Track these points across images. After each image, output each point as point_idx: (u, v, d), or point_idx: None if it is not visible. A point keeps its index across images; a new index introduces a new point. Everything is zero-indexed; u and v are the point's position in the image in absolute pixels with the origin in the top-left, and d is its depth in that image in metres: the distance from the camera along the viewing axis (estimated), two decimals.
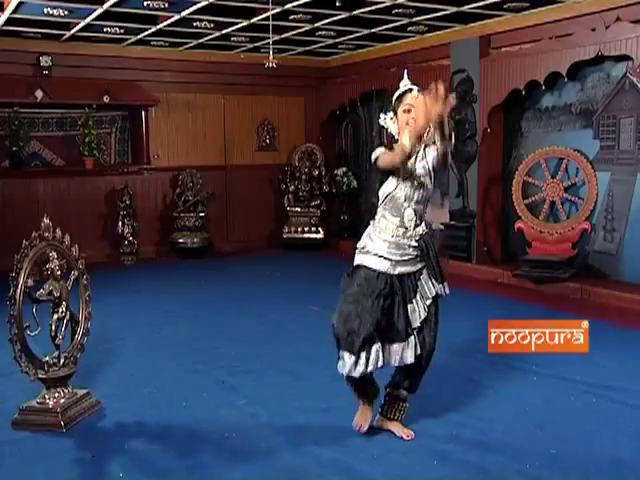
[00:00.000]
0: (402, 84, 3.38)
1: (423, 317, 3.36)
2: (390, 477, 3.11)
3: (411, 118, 3.24)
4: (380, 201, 3.39)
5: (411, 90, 3.30)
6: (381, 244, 3.35)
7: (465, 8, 7.09)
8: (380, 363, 3.31)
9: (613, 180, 7.07)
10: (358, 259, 3.41)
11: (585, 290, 6.82)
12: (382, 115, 3.43)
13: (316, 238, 10.21)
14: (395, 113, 3.35)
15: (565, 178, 7.50)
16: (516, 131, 8.14)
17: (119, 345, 5.26)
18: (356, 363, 3.28)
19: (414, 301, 3.38)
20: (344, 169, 10.38)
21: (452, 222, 8.26)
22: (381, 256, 3.34)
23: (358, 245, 3.43)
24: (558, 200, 7.50)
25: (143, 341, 5.44)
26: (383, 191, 3.35)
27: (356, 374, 3.31)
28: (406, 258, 3.35)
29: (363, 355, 3.27)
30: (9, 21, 7.33)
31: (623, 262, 7.02)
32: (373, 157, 3.32)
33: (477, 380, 4.37)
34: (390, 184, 3.32)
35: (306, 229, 10.25)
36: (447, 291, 3.42)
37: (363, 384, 3.43)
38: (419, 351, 3.37)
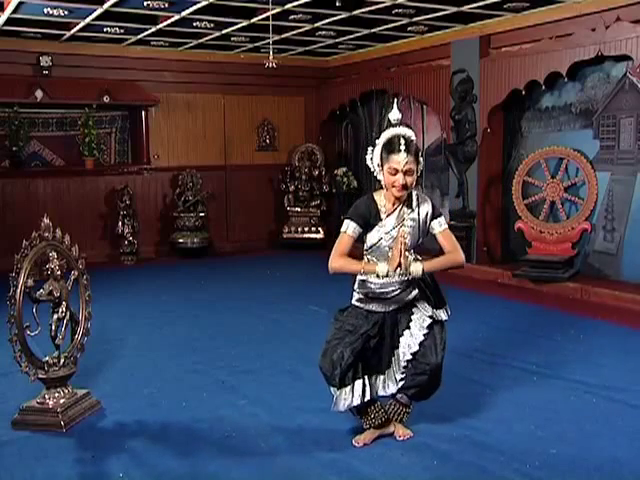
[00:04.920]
0: (392, 116, 3.21)
1: (420, 340, 3.30)
2: (390, 477, 3.10)
3: (397, 183, 3.11)
4: (365, 247, 3.31)
5: (399, 150, 3.08)
6: (372, 286, 3.29)
7: (465, 8, 7.09)
8: (367, 397, 3.30)
9: (613, 180, 7.07)
10: (353, 298, 3.37)
11: (585, 290, 6.82)
12: (370, 150, 3.24)
13: (316, 238, 10.21)
14: (381, 161, 3.16)
15: (565, 178, 7.50)
16: (516, 131, 8.14)
17: (119, 345, 5.26)
18: (340, 397, 3.29)
19: (406, 333, 3.33)
20: (344, 169, 10.38)
21: (452, 222, 8.24)
22: (373, 297, 3.29)
23: (355, 284, 3.37)
24: (558, 200, 7.50)
25: (143, 341, 5.44)
26: (367, 241, 3.27)
27: (342, 408, 3.31)
28: (399, 291, 3.29)
29: (347, 389, 3.27)
30: (9, 21, 7.33)
31: (623, 262, 7.02)
32: (343, 228, 3.22)
33: (477, 380, 4.37)
34: (373, 236, 3.24)
35: (306, 229, 10.25)
36: (448, 315, 3.37)
37: (365, 413, 3.39)
38: (402, 379, 3.34)
